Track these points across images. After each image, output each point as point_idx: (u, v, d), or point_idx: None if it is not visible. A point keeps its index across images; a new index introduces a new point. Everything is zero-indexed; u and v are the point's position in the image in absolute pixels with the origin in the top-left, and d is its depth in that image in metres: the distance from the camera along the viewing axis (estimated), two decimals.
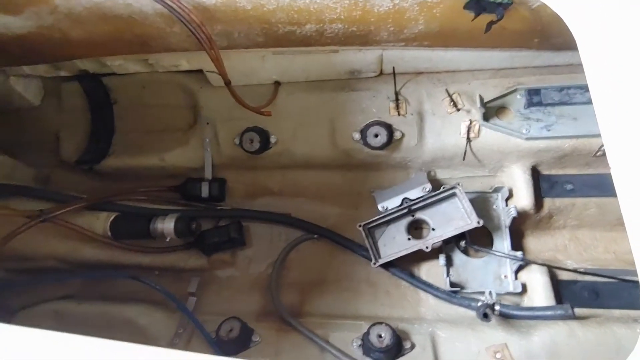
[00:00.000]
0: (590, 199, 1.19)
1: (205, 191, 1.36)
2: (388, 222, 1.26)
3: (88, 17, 1.04)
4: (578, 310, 1.06)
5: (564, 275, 1.14)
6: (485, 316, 0.91)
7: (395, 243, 1.24)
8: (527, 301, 1.10)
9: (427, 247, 1.17)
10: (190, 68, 1.32)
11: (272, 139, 1.33)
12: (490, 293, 1.08)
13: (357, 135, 1.28)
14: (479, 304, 1.07)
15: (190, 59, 1.27)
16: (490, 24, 0.96)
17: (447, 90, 1.20)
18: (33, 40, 1.14)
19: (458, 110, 1.20)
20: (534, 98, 1.16)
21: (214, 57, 1.01)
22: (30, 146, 1.48)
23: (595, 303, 1.07)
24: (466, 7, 0.95)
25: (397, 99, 1.25)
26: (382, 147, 1.25)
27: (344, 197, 1.39)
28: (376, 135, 1.24)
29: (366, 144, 1.26)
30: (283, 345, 1.11)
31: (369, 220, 1.23)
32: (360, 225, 1.22)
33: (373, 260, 1.20)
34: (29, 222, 1.12)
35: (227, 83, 1.10)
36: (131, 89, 1.44)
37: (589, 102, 1.14)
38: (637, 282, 1.13)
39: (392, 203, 1.25)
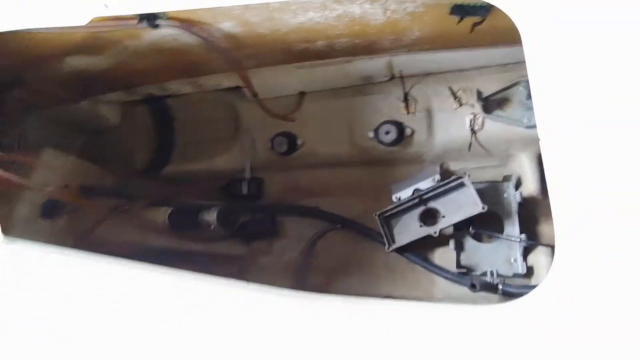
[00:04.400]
0: None
1: (244, 189, 1.59)
2: (404, 212, 1.38)
3: (148, 52, 1.33)
4: None
5: None
6: (472, 286, 1.00)
7: (408, 231, 1.35)
8: (533, 283, 1.15)
9: (435, 233, 1.26)
10: (230, 85, 1.57)
11: (299, 141, 1.53)
12: (492, 272, 1.14)
13: (371, 134, 1.42)
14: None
15: (229, 78, 1.52)
16: (475, 25, 1.07)
17: (450, 88, 1.30)
18: (112, 73, 1.47)
19: (461, 105, 1.29)
20: None
21: (242, 76, 1.23)
22: (112, 159, 1.84)
23: None
24: (452, 12, 1.07)
25: (406, 99, 1.38)
26: (393, 144, 1.38)
27: (366, 191, 1.53)
28: (387, 133, 1.38)
29: (379, 141, 1.40)
30: None
31: (384, 210, 1.36)
32: (376, 215, 1.36)
33: (387, 246, 1.33)
34: (107, 215, 1.44)
35: (254, 95, 1.32)
36: (186, 107, 1.73)
37: None
38: None
39: (405, 194, 1.37)
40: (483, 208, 1.20)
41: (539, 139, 0.70)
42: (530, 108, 1.22)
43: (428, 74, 1.40)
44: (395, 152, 1.42)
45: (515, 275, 1.19)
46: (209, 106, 1.70)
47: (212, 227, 1.44)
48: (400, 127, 1.37)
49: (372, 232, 1.42)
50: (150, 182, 1.76)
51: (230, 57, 1.18)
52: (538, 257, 1.18)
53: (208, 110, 1.70)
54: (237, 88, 1.58)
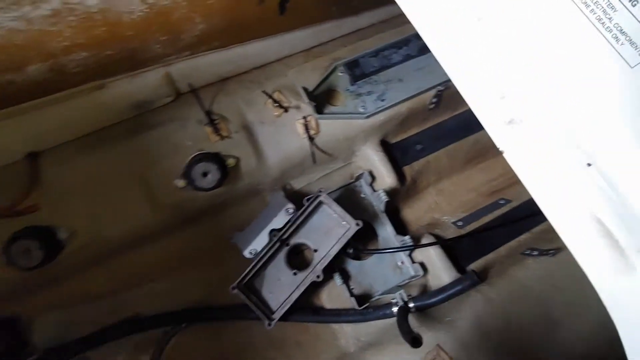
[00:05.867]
0: (439, 151, 1.19)
1: None
2: (265, 266, 1.02)
3: None
4: (475, 265, 1.05)
5: (450, 236, 1.12)
6: (415, 342, 0.78)
7: (282, 286, 1.01)
8: (432, 280, 1.04)
9: (318, 277, 0.98)
10: None
11: (62, 234, 0.91)
12: (400, 294, 0.96)
13: (181, 183, 0.97)
14: (394, 309, 0.95)
15: None
16: (284, 3, 0.76)
17: (265, 92, 0.98)
18: None
19: (286, 110, 1.00)
20: (356, 71, 1.04)
21: None
22: None
23: (488, 249, 1.07)
24: None
25: (211, 120, 0.98)
26: (219, 184, 0.97)
27: (201, 258, 1.08)
28: (205, 174, 0.96)
29: (198, 189, 0.96)
30: None
31: (241, 277, 0.97)
32: (233, 288, 0.96)
33: (267, 322, 0.96)
34: None
35: None
36: None
37: (406, 58, 1.10)
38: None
39: (259, 243, 1.01)
40: (358, 224, 0.98)
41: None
42: (359, 94, 1.05)
43: (226, 80, 1.03)
44: (222, 195, 1.02)
45: (412, 278, 1.04)
46: None
47: None
48: (218, 159, 0.97)
49: (237, 310, 1.01)
50: None
51: None
52: (423, 251, 1.06)
53: None
54: None
